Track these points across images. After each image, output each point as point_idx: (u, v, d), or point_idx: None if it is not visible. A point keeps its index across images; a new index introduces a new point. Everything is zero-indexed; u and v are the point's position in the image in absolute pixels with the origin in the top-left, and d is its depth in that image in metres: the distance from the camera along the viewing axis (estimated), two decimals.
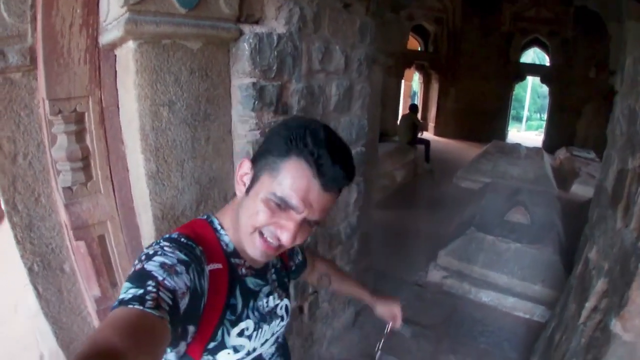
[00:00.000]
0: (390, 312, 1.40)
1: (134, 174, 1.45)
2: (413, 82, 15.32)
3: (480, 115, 11.82)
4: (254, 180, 0.80)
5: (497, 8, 10.98)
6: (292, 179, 0.73)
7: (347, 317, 2.77)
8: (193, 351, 0.78)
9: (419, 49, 12.57)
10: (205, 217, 0.92)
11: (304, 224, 0.78)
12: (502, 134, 12.05)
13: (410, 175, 7.35)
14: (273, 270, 1.00)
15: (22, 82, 1.47)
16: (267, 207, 0.76)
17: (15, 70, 1.44)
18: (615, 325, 1.35)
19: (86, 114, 1.45)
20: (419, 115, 10.22)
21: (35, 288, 1.68)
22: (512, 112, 14.25)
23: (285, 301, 1.02)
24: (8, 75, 1.43)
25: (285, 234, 0.77)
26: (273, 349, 0.99)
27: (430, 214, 5.46)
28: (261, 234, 0.79)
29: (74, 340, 1.84)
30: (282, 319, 1.00)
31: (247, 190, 0.81)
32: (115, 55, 1.42)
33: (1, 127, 1.46)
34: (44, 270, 1.68)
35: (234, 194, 0.88)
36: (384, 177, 6.12)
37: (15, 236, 1.59)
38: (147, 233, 1.46)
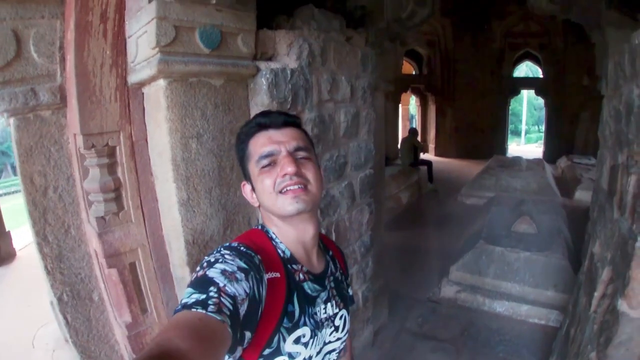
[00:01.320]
0: None
1: (165, 203, 1.54)
2: (410, 106, 15.56)
3: (478, 132, 11.99)
4: (252, 183, 0.92)
5: (486, 26, 11.25)
6: (256, 144, 0.89)
7: (366, 337, 2.80)
8: (248, 356, 0.79)
9: (414, 73, 12.81)
10: (260, 227, 0.96)
11: (297, 158, 0.88)
12: (502, 149, 12.18)
13: (415, 196, 7.43)
14: (332, 277, 1.01)
15: (52, 119, 1.59)
16: (264, 174, 0.87)
17: (46, 108, 1.55)
18: (622, 305, 1.42)
19: (117, 147, 1.55)
20: (419, 138, 10.33)
21: (65, 317, 1.74)
22: (510, 127, 14.48)
23: (344, 312, 1.01)
24: (38, 113, 1.55)
25: (286, 167, 0.84)
26: None
27: (438, 232, 5.52)
28: (280, 192, 0.85)
29: None
30: (338, 330, 0.98)
31: (255, 192, 0.92)
32: (143, 93, 1.54)
33: (32, 161, 1.56)
34: (73, 299, 1.74)
35: (258, 219, 0.97)
36: (390, 200, 6.18)
37: (45, 267, 1.66)
38: (178, 258, 1.53)
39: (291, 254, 0.92)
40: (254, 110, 1.61)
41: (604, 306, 1.67)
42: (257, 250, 0.84)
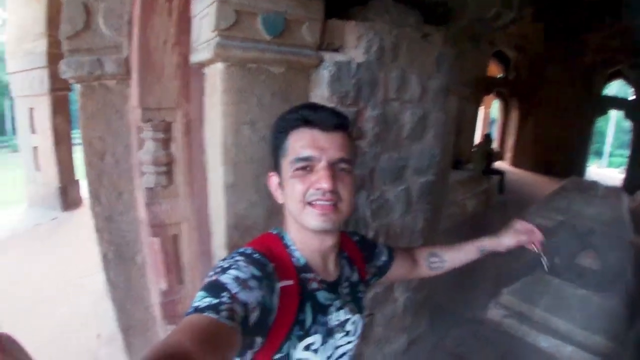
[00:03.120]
0: (520, 235, 1.28)
1: (213, 183, 1.54)
2: (492, 109, 14.77)
3: (559, 147, 11.04)
4: (280, 177, 0.87)
5: (579, 37, 10.22)
6: (297, 142, 0.82)
7: (400, 345, 2.71)
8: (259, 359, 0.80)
9: (499, 76, 12.07)
10: (276, 232, 0.93)
11: (335, 170, 0.81)
12: (581, 169, 11.17)
13: (481, 206, 7.00)
14: (347, 283, 0.98)
15: (116, 89, 1.65)
16: (297, 177, 0.81)
17: (111, 78, 1.62)
18: None
19: (173, 124, 1.58)
20: (497, 144, 9.73)
21: (107, 274, 1.85)
22: (594, 147, 13.30)
23: (356, 317, 0.98)
24: (103, 82, 1.62)
25: (322, 181, 0.78)
26: None
27: None
28: (310, 203, 0.81)
29: (133, 326, 1.98)
30: (348, 334, 0.96)
31: (282, 188, 0.86)
32: (204, 74, 1.53)
33: (93, 127, 1.64)
34: (117, 259, 1.84)
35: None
36: (454, 206, 5.89)
37: (96, 225, 1.76)
38: (219, 240, 1.54)
39: (306, 263, 0.89)
40: None
41: None
42: (271, 258, 0.83)
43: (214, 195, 1.54)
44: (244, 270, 0.74)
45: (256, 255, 0.81)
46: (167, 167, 1.62)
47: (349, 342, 0.97)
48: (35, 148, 5.76)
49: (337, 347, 0.94)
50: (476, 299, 3.82)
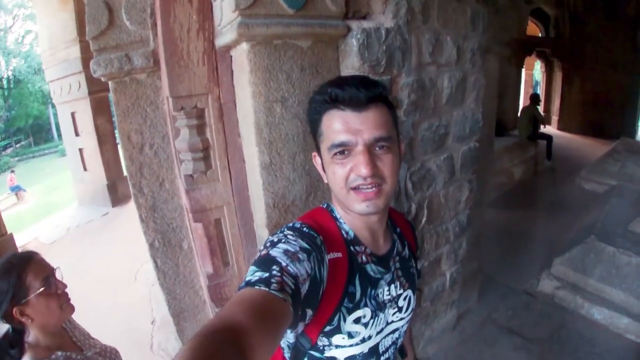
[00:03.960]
0: None
1: (250, 164, 1.54)
2: (535, 71, 13.98)
3: (607, 108, 10.32)
4: (322, 159, 0.84)
5: None
6: (329, 126, 0.78)
7: (448, 319, 2.67)
8: (310, 332, 0.81)
9: (540, 35, 11.35)
10: (325, 205, 0.94)
11: (375, 150, 0.77)
12: (631, 130, 10.42)
13: (529, 173, 6.76)
14: (397, 258, 0.96)
15: (147, 82, 1.68)
16: (336, 163, 0.79)
17: (140, 72, 1.64)
18: None
19: (206, 109, 1.58)
20: (541, 108, 9.23)
21: (155, 261, 1.91)
22: None
23: (409, 292, 0.97)
24: (134, 76, 1.65)
25: (361, 167, 0.75)
26: (389, 341, 0.96)
27: (548, 217, 4.99)
28: (353, 189, 0.79)
29: (184, 311, 2.05)
30: (401, 311, 0.96)
31: (325, 171, 0.84)
32: (231, 56, 1.52)
33: (129, 121, 1.68)
34: (164, 246, 1.90)
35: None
36: (500, 174, 5.73)
37: (140, 215, 1.82)
38: (260, 219, 1.55)
39: (355, 235, 0.89)
40: (345, 74, 1.49)
41: None
42: (319, 231, 0.83)
43: (252, 176, 1.54)
44: (293, 243, 0.75)
45: (305, 229, 0.81)
46: (204, 153, 1.63)
47: (401, 319, 0.96)
48: (80, 150, 6.03)
49: (389, 323, 0.94)
50: (527, 269, 3.71)
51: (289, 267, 0.69)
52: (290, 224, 0.84)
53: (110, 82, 1.61)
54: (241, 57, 1.34)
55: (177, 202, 1.86)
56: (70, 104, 5.83)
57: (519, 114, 8.32)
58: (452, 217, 2.24)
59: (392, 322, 0.94)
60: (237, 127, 1.59)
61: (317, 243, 0.79)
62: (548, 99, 11.91)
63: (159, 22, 1.51)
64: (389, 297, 0.92)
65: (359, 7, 1.52)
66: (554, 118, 11.52)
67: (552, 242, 4.10)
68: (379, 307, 0.89)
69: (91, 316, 3.22)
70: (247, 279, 0.66)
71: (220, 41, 1.45)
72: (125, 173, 6.23)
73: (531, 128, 7.41)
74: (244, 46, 1.29)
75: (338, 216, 0.90)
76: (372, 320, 0.87)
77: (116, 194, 6.05)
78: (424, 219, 2.02)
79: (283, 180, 1.45)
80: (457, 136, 2.08)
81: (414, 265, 1.03)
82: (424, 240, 2.09)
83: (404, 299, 0.96)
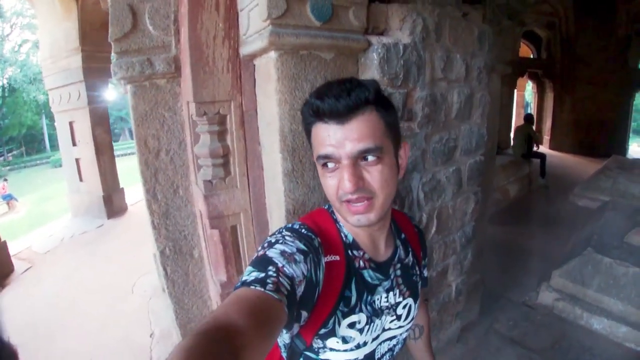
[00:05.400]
0: None
1: (270, 172, 1.56)
2: (526, 92, 14.33)
3: (598, 127, 10.64)
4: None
5: (612, 9, 9.75)
6: (316, 138, 0.78)
7: (453, 330, 2.68)
8: (305, 333, 0.82)
9: (531, 56, 11.67)
10: (327, 207, 0.94)
11: (361, 162, 0.76)
12: (622, 148, 10.75)
13: (524, 190, 6.95)
14: (399, 265, 0.95)
15: (167, 88, 1.70)
16: (326, 175, 0.79)
17: (161, 77, 1.66)
18: None
19: (228, 116, 1.61)
20: (534, 127, 9.46)
21: (165, 269, 1.89)
22: (633, 125, 12.73)
23: (409, 300, 0.96)
24: (154, 81, 1.67)
25: (345, 182, 0.75)
26: (385, 347, 0.95)
27: (544, 232, 5.12)
28: (345, 201, 0.78)
29: (191, 321, 2.02)
30: (400, 319, 0.95)
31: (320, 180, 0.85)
32: (254, 65, 1.55)
33: (147, 126, 1.69)
34: (175, 254, 1.89)
35: None
36: (496, 191, 5.85)
37: (152, 222, 1.81)
38: (278, 226, 1.54)
39: (353, 240, 0.89)
40: None
41: None
42: (318, 233, 0.84)
43: (272, 183, 1.56)
44: (290, 244, 0.75)
45: (303, 230, 0.82)
46: (223, 159, 1.66)
47: (400, 327, 0.96)
48: (77, 160, 5.99)
49: (386, 329, 0.94)
50: (525, 282, 3.79)
51: (285, 268, 0.69)
52: (290, 225, 0.85)
53: (129, 86, 1.63)
54: (267, 66, 1.38)
55: (190, 210, 1.87)
56: (69, 113, 5.80)
57: (512, 133, 8.50)
58: (458, 228, 2.28)
59: (390, 329, 0.95)
60: (257, 134, 1.61)
61: (314, 245, 0.79)
62: (540, 119, 12.21)
63: (183, 29, 1.54)
64: (387, 304, 0.91)
65: (377, 23, 1.58)
66: (546, 137, 11.81)
67: (548, 256, 4.21)
68: (375, 314, 0.88)
69: (88, 329, 3.20)
70: (243, 278, 0.67)
71: (246, 50, 1.49)
72: (121, 185, 6.20)
73: (526, 147, 7.58)
74: (272, 55, 1.32)
75: (338, 219, 0.90)
76: (367, 326, 0.87)
77: (111, 206, 5.99)
78: (434, 229, 2.06)
79: (304, 188, 1.48)
80: (465, 149, 2.14)
81: (417, 272, 1.02)
82: (433, 250, 2.13)
83: (404, 307, 0.96)
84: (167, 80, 1.68)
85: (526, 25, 9.76)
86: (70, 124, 5.87)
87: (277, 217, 1.55)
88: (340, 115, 0.73)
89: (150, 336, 3.14)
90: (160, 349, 2.94)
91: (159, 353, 2.90)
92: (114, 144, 6.17)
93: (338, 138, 0.74)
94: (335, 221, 0.90)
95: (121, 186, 6.27)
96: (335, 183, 0.78)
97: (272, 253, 0.73)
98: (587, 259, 3.39)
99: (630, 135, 12.15)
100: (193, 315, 2.02)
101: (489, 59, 2.20)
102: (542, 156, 7.82)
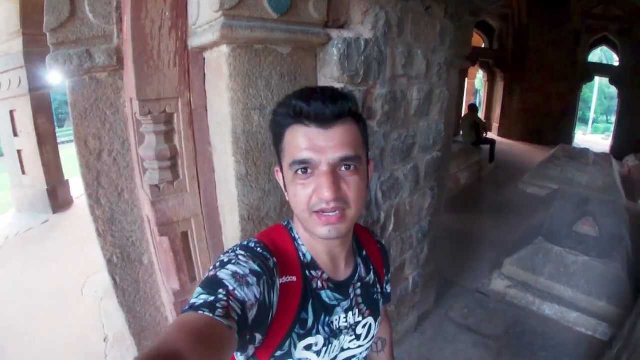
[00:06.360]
0: None
1: (222, 175, 1.46)
2: (476, 80, 14.78)
3: (546, 116, 11.19)
4: (283, 176, 0.79)
5: (564, 4, 10.19)
6: (292, 142, 0.73)
7: (410, 322, 2.72)
8: (260, 355, 0.78)
9: (483, 46, 12.01)
10: (285, 223, 0.89)
11: (340, 170, 0.72)
12: (568, 136, 11.33)
13: (474, 178, 7.12)
14: (359, 284, 0.92)
15: (108, 82, 1.54)
16: (297, 183, 0.74)
17: (102, 70, 1.50)
18: None
19: (175, 115, 1.47)
20: (482, 115, 9.77)
21: (113, 278, 1.76)
22: (578, 114, 13.45)
23: (369, 320, 0.93)
24: (94, 75, 1.51)
25: (323, 190, 0.70)
26: None
27: (494, 219, 5.26)
28: (316, 212, 0.73)
29: (145, 329, 1.91)
30: (359, 338, 0.92)
31: (286, 189, 0.79)
32: (204, 58, 1.43)
33: (87, 124, 1.53)
34: (123, 261, 1.76)
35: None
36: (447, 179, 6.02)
37: (97, 229, 1.66)
38: (232, 233, 1.47)
39: (312, 259, 0.84)
40: (322, 83, 1.46)
41: None
42: (275, 252, 0.79)
43: (224, 187, 1.46)
44: (244, 265, 0.71)
45: (259, 249, 0.77)
46: (171, 162, 1.52)
47: (359, 346, 0.93)
48: (19, 151, 5.57)
49: (345, 350, 0.90)
50: (478, 269, 3.93)
51: (236, 292, 0.65)
52: (245, 242, 0.79)
53: (67, 81, 1.45)
54: (218, 61, 1.27)
55: (137, 214, 1.73)
56: (9, 102, 5.34)
57: (460, 122, 8.75)
58: (415, 223, 2.29)
59: (349, 349, 0.91)
60: (207, 134, 1.50)
61: (269, 265, 0.75)
62: (490, 107, 12.75)
63: (126, 17, 1.38)
64: (346, 324, 0.88)
65: (338, 16, 1.49)
66: (495, 125, 12.29)
67: (499, 243, 4.37)
68: (332, 334, 0.85)
69: (37, 335, 2.98)
70: (192, 301, 0.63)
71: (195, 42, 1.36)
72: (66, 177, 5.84)
73: (474, 134, 7.85)
74: (224, 49, 1.21)
75: (297, 237, 0.85)
76: (325, 348, 0.84)
77: (57, 200, 5.62)
78: (391, 226, 2.03)
79: (258, 192, 1.39)
80: (423, 146, 2.12)
81: (379, 290, 0.98)
82: (391, 247, 2.11)
83: (363, 327, 0.92)
84: (108, 73, 1.52)
85: (479, 15, 9.98)
86: (11, 112, 5.42)
87: (230, 222, 1.46)
88: (326, 120, 0.71)
89: (104, 340, 2.98)
90: (115, 354, 2.79)
91: (114, 358, 2.75)
92: (58, 130, 5.74)
93: (320, 143, 0.71)
94: (294, 239, 0.85)
95: (66, 178, 5.89)
96: (307, 193, 0.73)
97: (224, 274, 0.68)
98: (538, 247, 3.55)
99: (576, 123, 12.84)
100: (147, 324, 1.91)
101: (450, 54, 2.18)
102: (491, 142, 8.17)
